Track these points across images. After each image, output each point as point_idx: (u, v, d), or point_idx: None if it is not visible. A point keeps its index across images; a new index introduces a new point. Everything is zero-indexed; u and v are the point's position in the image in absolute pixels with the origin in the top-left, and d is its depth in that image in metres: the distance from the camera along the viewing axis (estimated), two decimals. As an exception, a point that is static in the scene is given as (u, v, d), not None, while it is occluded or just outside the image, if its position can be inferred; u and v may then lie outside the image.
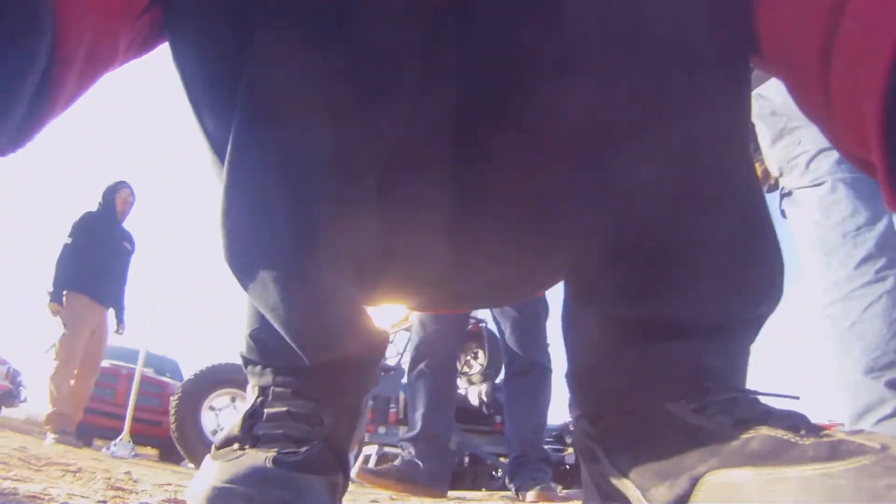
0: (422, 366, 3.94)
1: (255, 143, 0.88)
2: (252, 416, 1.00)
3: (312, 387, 1.01)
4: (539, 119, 0.96)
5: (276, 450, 0.91)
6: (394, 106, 0.94)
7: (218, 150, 0.92)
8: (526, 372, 4.07)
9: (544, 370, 4.07)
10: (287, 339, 0.95)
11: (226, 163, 0.88)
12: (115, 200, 7.08)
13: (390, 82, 0.92)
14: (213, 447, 1.00)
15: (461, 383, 8.29)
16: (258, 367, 1.05)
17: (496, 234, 1.09)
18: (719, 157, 0.83)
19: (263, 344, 1.04)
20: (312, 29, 0.87)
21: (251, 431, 0.97)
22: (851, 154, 0.80)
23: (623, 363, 0.83)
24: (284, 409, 0.99)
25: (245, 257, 0.92)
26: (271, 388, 1.02)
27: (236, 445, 0.96)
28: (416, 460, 3.68)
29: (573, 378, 0.91)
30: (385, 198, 0.99)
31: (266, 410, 1.00)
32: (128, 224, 7.42)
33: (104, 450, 7.26)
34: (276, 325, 0.94)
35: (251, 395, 1.05)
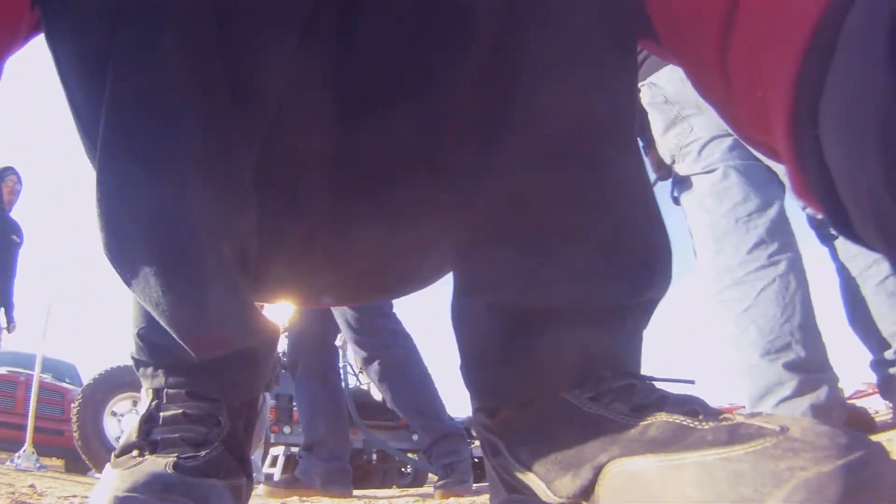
0: (297, 372, 3.91)
1: (125, 131, 0.84)
2: (148, 421, 0.98)
3: (206, 386, 1.00)
4: (424, 103, 0.95)
5: (175, 455, 0.90)
6: (269, 91, 0.91)
7: (92, 139, 0.88)
8: (372, 359, 3.98)
9: (386, 348, 3.98)
10: (174, 336, 0.92)
11: (97, 152, 0.85)
12: (0, 190, 6.72)
13: (264, 68, 0.90)
14: (112, 455, 0.97)
15: (363, 378, 8.25)
16: (149, 369, 1.03)
17: (381, 226, 1.08)
18: (606, 143, 0.84)
19: (152, 343, 1.02)
20: (177, 12, 0.84)
21: (149, 437, 0.96)
22: (750, 137, 0.81)
23: (515, 354, 0.82)
24: (179, 411, 0.98)
25: (124, 252, 0.88)
26: (164, 389, 1.00)
27: (136, 452, 0.94)
28: (309, 467, 3.68)
29: (466, 372, 0.91)
30: (265, 187, 0.97)
31: (162, 414, 0.98)
32: (16, 213, 6.97)
33: (8, 463, 7.03)
34: (162, 322, 0.91)
35: (146, 398, 1.03)
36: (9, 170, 6.71)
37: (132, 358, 1.06)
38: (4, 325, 6.81)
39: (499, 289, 0.84)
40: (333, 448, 3.72)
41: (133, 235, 0.87)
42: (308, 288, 1.26)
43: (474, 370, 0.89)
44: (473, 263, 0.89)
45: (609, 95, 0.85)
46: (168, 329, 0.92)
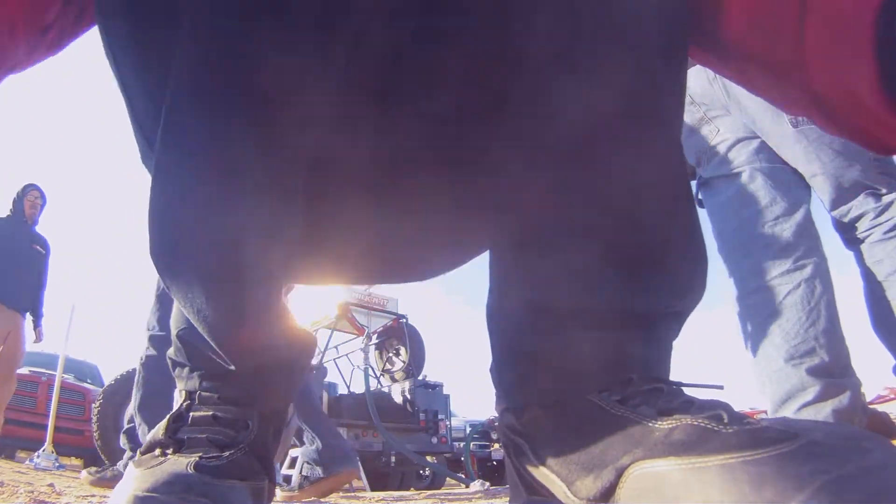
0: None
1: (183, 138, 0.85)
2: (177, 420, 0.99)
3: (239, 391, 1.00)
4: (471, 91, 0.95)
5: (198, 454, 0.90)
6: (320, 104, 0.92)
7: (150, 141, 0.90)
8: None
9: None
10: (212, 343, 0.93)
11: (155, 156, 0.86)
12: (22, 205, 6.88)
13: (319, 63, 0.90)
14: (137, 452, 0.98)
15: (384, 381, 8.30)
16: (185, 370, 1.03)
17: (422, 206, 1.09)
18: (654, 145, 0.84)
19: (190, 345, 1.02)
20: (242, 15, 0.84)
21: (175, 435, 0.96)
22: (817, 97, 0.81)
23: (546, 352, 0.82)
24: (210, 413, 0.98)
25: (171, 256, 0.90)
26: (198, 392, 1.01)
27: (158, 451, 0.94)
28: (313, 463, 3.72)
29: (497, 370, 0.90)
30: (310, 169, 0.96)
31: (192, 414, 0.99)
32: (47, 223, 7.15)
33: (28, 462, 7.11)
34: (201, 328, 0.92)
35: (178, 398, 1.03)
36: (31, 186, 6.96)
37: (169, 358, 1.07)
38: (32, 336, 6.94)
39: (536, 288, 0.84)
40: (313, 428, 3.78)
41: (183, 241, 0.88)
42: (347, 268, 1.27)
43: (505, 367, 0.89)
44: (512, 264, 0.88)
45: (664, 99, 0.85)
46: (206, 335, 0.93)
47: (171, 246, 0.89)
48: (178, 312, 1.03)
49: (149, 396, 3.80)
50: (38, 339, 7.02)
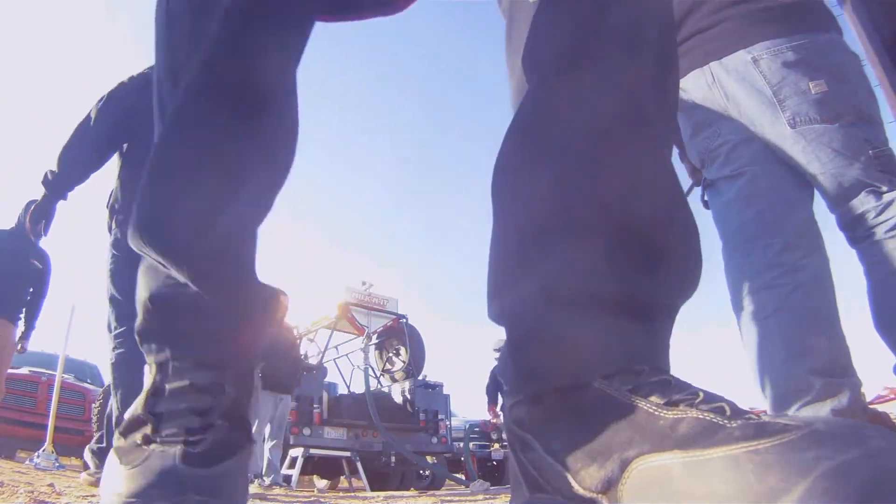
0: None
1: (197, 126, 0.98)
2: (155, 394, 0.99)
3: (211, 351, 1.02)
4: None
5: (182, 440, 0.91)
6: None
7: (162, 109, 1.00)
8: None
9: None
10: (190, 275, 0.99)
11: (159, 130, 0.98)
12: (25, 219, 6.96)
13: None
14: (117, 432, 0.99)
15: (384, 381, 8.30)
16: (154, 345, 1.04)
17: None
18: (648, 148, 0.86)
19: (163, 303, 1.04)
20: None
21: (154, 409, 0.97)
22: None
23: (560, 336, 0.83)
24: (186, 382, 0.98)
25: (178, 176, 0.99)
26: (170, 362, 1.01)
27: (139, 438, 0.94)
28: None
29: (510, 358, 0.90)
30: None
31: (167, 386, 0.99)
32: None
33: (28, 462, 7.12)
34: (182, 265, 0.98)
35: (148, 374, 1.04)
36: (34, 202, 7.06)
37: (137, 333, 1.07)
38: (18, 345, 7.00)
39: (548, 274, 0.85)
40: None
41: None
42: None
43: (518, 353, 0.89)
44: (527, 253, 0.90)
45: (645, 103, 0.87)
46: (187, 269, 0.99)
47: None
48: (148, 278, 1.06)
49: (129, 395, 3.80)
50: (22, 349, 7.08)
